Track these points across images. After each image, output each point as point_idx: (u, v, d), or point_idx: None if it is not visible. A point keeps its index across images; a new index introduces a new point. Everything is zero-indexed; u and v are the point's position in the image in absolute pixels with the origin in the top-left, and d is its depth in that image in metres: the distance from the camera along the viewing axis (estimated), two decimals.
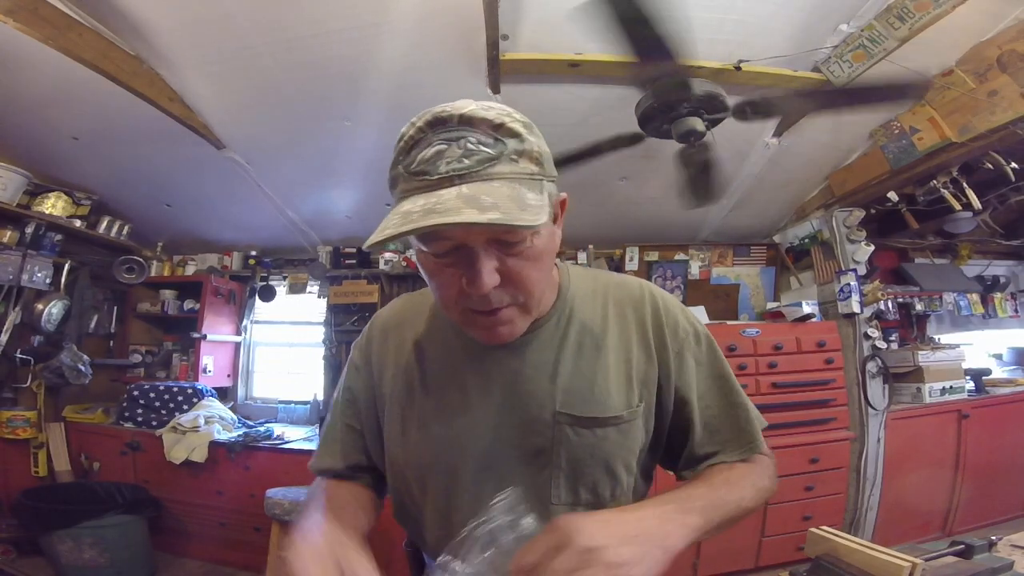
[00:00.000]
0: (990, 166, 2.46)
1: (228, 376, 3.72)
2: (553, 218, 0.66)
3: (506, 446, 0.72)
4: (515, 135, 0.59)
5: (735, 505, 0.68)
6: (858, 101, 2.01)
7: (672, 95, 1.81)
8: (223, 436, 2.99)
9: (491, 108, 0.59)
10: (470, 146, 0.56)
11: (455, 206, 0.53)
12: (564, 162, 2.14)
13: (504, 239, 0.59)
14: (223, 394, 3.65)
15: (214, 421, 3.10)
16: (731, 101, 1.86)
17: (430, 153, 0.57)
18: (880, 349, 2.93)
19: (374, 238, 0.57)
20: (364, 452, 0.83)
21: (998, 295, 3.47)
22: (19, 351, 2.93)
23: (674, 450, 0.79)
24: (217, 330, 3.59)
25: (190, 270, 3.77)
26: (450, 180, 0.56)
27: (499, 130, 0.58)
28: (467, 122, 0.57)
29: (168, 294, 3.65)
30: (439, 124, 0.57)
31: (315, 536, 0.59)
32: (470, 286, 0.59)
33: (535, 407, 0.71)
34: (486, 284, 0.59)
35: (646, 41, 1.42)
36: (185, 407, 3.17)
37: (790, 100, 2.00)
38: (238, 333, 3.80)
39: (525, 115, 0.63)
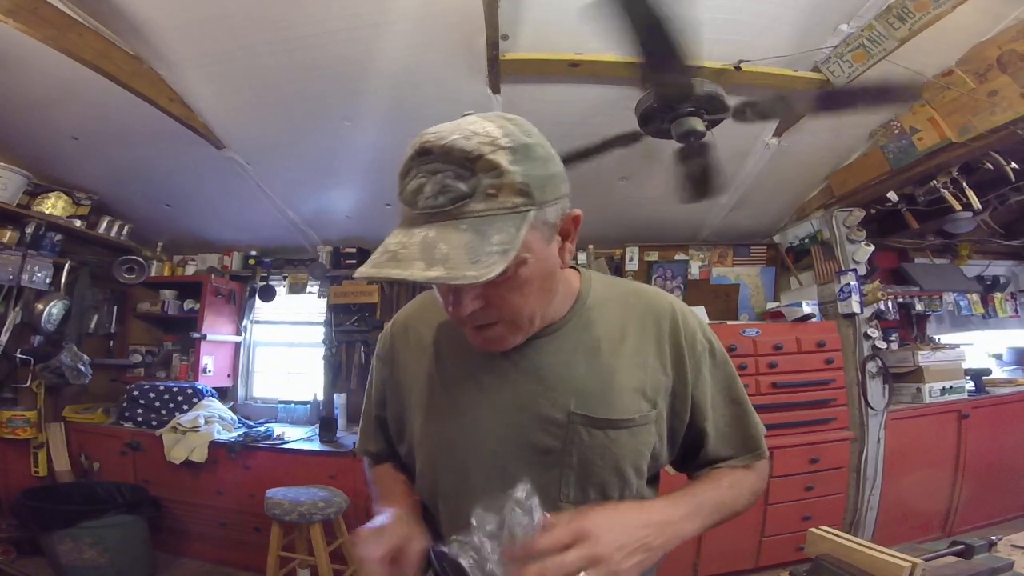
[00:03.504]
0: (990, 166, 2.45)
1: (228, 376, 3.72)
2: (565, 234, 0.68)
3: (518, 443, 0.74)
4: (493, 167, 0.58)
5: (731, 508, 0.77)
6: (852, 103, 2.00)
7: (673, 95, 1.81)
8: (223, 436, 2.99)
9: (474, 135, 0.58)
10: (447, 182, 0.57)
11: (410, 255, 0.57)
12: (564, 161, 2.14)
13: None
14: (223, 394, 3.64)
15: (214, 421, 3.10)
16: (731, 101, 1.86)
17: (414, 186, 0.59)
18: (880, 349, 2.93)
19: (358, 273, 0.61)
20: (395, 444, 0.90)
21: (998, 295, 3.47)
22: (19, 351, 2.93)
23: (688, 455, 0.84)
24: (217, 330, 3.59)
25: (190, 270, 3.77)
26: (424, 218, 0.59)
27: (476, 163, 0.57)
28: (447, 154, 0.58)
29: (168, 294, 3.65)
30: (424, 154, 0.59)
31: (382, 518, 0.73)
32: (451, 309, 0.65)
33: (549, 406, 0.73)
34: (463, 311, 0.64)
35: (656, 43, 1.41)
36: (185, 407, 3.17)
37: (787, 103, 2.00)
38: (238, 333, 3.80)
39: (523, 126, 0.63)
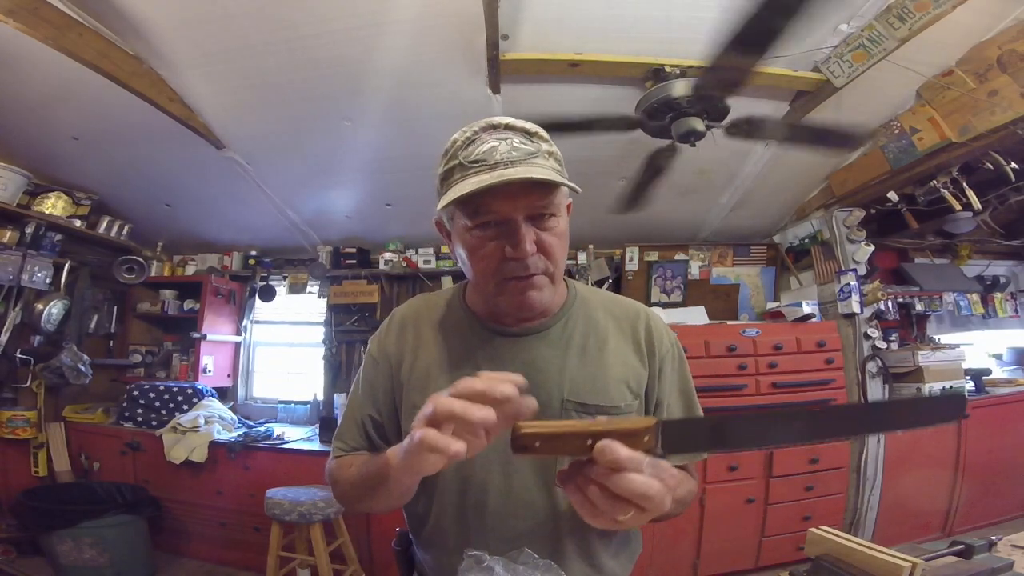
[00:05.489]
0: (990, 166, 2.45)
1: (228, 376, 3.72)
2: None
3: None
4: (545, 140, 0.76)
5: (682, 506, 0.79)
6: (814, 141, 2.07)
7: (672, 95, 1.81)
8: (223, 436, 2.99)
9: (525, 122, 0.76)
10: (516, 144, 0.72)
11: (514, 172, 0.68)
12: (558, 127, 2.14)
13: (538, 215, 0.73)
14: (223, 394, 3.64)
15: (214, 421, 3.10)
16: (729, 106, 1.86)
17: (485, 148, 0.71)
18: (880, 349, 2.93)
19: (452, 196, 0.69)
20: (387, 441, 0.88)
21: (998, 295, 3.47)
22: (19, 351, 2.93)
23: None
24: (217, 330, 3.59)
25: (190, 270, 3.77)
26: (504, 164, 0.70)
27: (534, 136, 0.75)
28: (511, 128, 0.74)
29: (168, 294, 3.65)
30: (490, 128, 0.74)
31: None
32: (515, 251, 0.71)
33: (544, 395, 0.78)
34: (528, 250, 0.71)
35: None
36: (185, 407, 3.17)
37: (777, 128, 2.02)
38: (238, 333, 3.80)
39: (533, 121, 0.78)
